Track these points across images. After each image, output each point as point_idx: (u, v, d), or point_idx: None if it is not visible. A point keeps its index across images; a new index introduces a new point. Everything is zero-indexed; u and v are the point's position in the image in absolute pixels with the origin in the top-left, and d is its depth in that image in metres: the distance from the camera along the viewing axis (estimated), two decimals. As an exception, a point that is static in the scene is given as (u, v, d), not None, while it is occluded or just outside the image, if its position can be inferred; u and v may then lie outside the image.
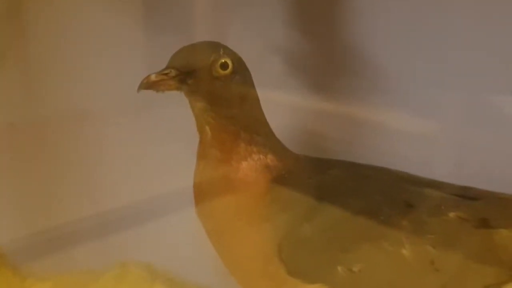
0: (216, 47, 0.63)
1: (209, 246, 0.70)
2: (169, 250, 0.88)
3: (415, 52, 0.80)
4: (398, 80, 0.82)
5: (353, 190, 0.65)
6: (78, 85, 0.92)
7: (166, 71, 0.61)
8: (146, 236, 0.88)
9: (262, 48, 0.85)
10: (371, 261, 0.61)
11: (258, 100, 0.66)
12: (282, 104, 0.84)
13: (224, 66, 0.62)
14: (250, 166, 0.63)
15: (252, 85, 0.65)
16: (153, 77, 0.61)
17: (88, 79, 0.91)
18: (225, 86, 0.63)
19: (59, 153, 0.93)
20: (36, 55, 0.92)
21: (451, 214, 0.64)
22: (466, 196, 0.67)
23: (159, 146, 0.90)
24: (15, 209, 0.92)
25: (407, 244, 0.62)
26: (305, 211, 0.62)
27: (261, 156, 0.64)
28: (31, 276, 0.86)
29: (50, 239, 0.89)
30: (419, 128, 0.81)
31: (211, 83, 0.62)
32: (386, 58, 0.82)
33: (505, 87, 0.77)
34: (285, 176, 0.64)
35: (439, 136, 0.80)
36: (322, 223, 0.62)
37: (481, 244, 0.64)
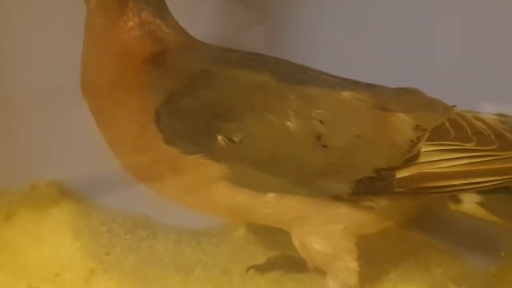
0: None
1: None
2: (82, 170, 0.85)
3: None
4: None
5: (244, 66, 0.62)
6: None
7: None
8: (58, 156, 0.85)
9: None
10: (253, 131, 0.58)
11: None
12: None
13: None
14: (136, 36, 0.61)
15: None
16: None
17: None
18: None
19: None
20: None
21: (346, 94, 0.61)
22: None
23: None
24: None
25: (293, 117, 0.58)
26: (187, 80, 0.59)
27: (149, 28, 0.61)
28: None
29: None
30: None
31: None
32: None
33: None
34: (174, 49, 0.61)
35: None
36: (204, 91, 0.59)
37: (376, 125, 0.60)
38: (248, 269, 0.72)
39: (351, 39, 0.79)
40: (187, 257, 0.76)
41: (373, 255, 0.72)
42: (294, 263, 0.70)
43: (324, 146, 0.58)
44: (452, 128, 0.61)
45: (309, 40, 0.81)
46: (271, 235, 0.77)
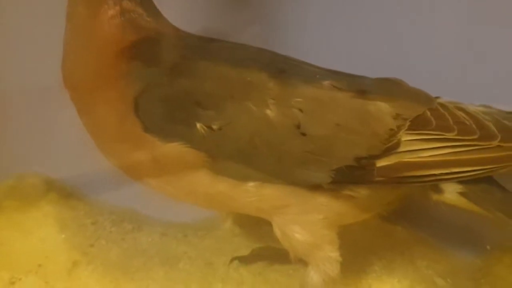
0: None
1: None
2: (68, 163, 0.84)
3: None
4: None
5: (225, 55, 0.62)
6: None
7: None
8: (44, 148, 0.84)
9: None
10: (232, 119, 0.58)
11: None
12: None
13: None
14: (117, 25, 0.60)
15: None
16: None
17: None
18: None
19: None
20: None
21: (326, 82, 0.61)
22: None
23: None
24: None
25: (272, 105, 0.58)
26: (167, 69, 0.59)
27: (130, 16, 0.61)
28: None
29: None
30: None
31: None
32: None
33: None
34: (155, 38, 0.61)
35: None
36: (183, 79, 0.59)
37: (355, 114, 0.60)
38: (232, 260, 0.72)
39: (346, 34, 0.79)
40: (173, 250, 0.76)
41: (357, 248, 0.72)
42: (278, 255, 0.70)
43: (304, 135, 0.58)
44: (434, 117, 0.61)
45: (304, 36, 0.81)
46: (257, 228, 0.76)
